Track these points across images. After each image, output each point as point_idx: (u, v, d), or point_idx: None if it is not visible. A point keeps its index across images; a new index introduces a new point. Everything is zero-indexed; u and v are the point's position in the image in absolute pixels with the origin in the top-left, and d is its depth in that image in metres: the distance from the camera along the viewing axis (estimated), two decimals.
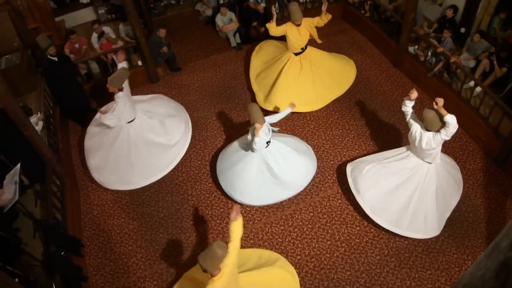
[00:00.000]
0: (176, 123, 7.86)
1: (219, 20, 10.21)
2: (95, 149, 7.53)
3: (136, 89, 9.44)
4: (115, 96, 6.85)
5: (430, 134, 5.70)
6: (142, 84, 9.54)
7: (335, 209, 7.04)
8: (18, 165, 6.00)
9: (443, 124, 5.54)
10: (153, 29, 9.98)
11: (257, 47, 9.46)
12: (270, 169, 6.68)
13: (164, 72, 9.75)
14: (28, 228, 6.44)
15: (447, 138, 5.61)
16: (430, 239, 6.51)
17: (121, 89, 6.82)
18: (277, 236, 6.77)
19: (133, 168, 7.32)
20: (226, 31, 10.20)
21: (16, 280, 5.23)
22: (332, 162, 7.70)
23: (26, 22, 9.21)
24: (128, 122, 7.28)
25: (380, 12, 9.99)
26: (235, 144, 7.17)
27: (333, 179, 7.47)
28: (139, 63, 9.39)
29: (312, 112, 8.51)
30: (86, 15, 11.00)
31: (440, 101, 5.49)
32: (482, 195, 7.08)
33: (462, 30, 9.15)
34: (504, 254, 1.18)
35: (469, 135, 7.93)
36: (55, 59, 7.74)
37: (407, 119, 6.00)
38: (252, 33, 10.53)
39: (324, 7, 7.82)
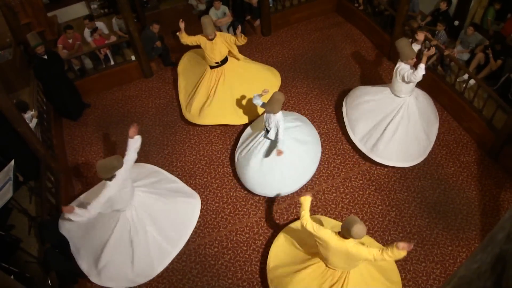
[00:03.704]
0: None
1: (213, 14, 10.15)
2: (82, 248, 6.24)
3: (129, 84, 9.43)
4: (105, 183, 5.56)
5: (400, 64, 6.59)
6: (135, 79, 9.50)
7: (330, 203, 7.06)
8: (12, 162, 5.97)
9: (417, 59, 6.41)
10: (146, 23, 9.93)
11: (180, 68, 8.87)
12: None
13: (157, 67, 9.71)
14: (23, 225, 6.42)
15: (406, 80, 6.46)
16: (425, 231, 6.56)
17: (111, 177, 5.49)
18: (272, 230, 6.79)
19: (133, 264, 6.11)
20: (219, 25, 10.15)
21: (12, 277, 5.21)
22: (326, 156, 7.72)
23: (19, 18, 9.13)
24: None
25: (374, 5, 9.98)
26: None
27: (327, 173, 7.48)
28: (133, 58, 9.34)
29: (307, 112, 8.52)
30: (79, 9, 10.90)
31: (431, 51, 6.43)
32: (476, 187, 7.12)
33: (456, 23, 9.15)
34: (500, 247, 1.18)
35: (463, 127, 7.96)
36: (45, 57, 7.71)
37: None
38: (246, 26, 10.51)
39: (238, 31, 7.55)
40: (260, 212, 7.02)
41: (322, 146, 7.68)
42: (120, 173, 5.53)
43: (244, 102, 7.94)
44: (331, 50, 9.94)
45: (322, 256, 4.96)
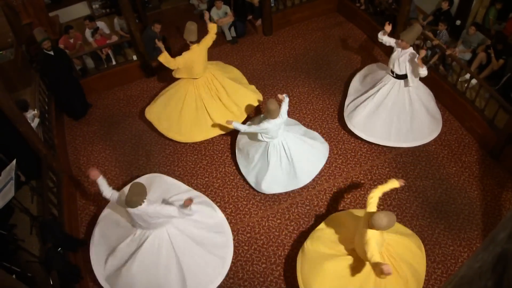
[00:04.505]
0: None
1: (214, 13, 10.16)
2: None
3: (131, 84, 9.44)
4: (146, 209, 5.20)
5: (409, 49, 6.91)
6: (137, 78, 9.52)
7: (332, 203, 7.06)
8: (14, 161, 5.98)
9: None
10: (148, 23, 9.94)
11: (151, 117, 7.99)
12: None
13: (159, 67, 9.71)
14: (24, 224, 6.43)
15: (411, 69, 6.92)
16: (426, 231, 6.56)
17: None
18: (274, 230, 6.79)
19: None
20: (221, 25, 10.16)
21: (14, 276, 5.22)
22: (328, 156, 7.71)
23: (20, 18, 9.15)
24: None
25: (376, 4, 9.97)
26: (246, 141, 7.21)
27: (329, 172, 7.48)
28: (134, 57, 9.35)
29: (306, 114, 8.52)
30: (80, 9, 10.91)
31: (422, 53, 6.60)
32: (478, 187, 7.11)
33: (458, 22, 9.14)
34: (501, 246, 1.18)
35: (464, 127, 7.95)
36: (51, 53, 7.73)
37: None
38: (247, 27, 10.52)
39: (206, 17, 7.41)
40: (261, 211, 7.02)
41: None
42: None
43: (235, 107, 7.74)
44: (332, 49, 9.94)
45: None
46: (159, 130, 7.88)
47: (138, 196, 5.03)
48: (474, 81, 7.81)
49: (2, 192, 5.70)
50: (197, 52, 7.24)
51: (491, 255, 1.21)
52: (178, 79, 7.73)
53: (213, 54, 10.07)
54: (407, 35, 6.73)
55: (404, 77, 7.11)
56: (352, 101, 7.85)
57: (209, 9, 10.49)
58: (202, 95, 7.58)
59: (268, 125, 6.33)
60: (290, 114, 8.41)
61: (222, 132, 7.81)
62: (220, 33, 10.48)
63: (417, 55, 6.65)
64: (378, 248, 4.75)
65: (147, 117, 7.91)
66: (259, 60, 9.81)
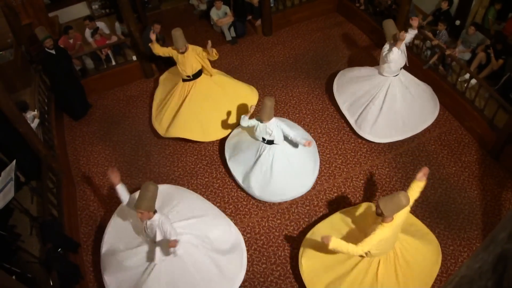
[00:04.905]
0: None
1: (214, 14, 10.16)
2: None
3: (130, 84, 9.44)
4: (152, 222, 4.96)
5: (386, 45, 7.07)
6: (137, 79, 9.52)
7: (332, 203, 7.06)
8: (14, 162, 5.98)
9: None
10: (147, 23, 9.93)
11: (161, 78, 8.73)
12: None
13: (158, 67, 9.71)
14: (24, 225, 6.43)
15: (384, 59, 7.04)
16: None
17: (155, 211, 4.98)
18: (274, 230, 6.79)
19: None
20: (221, 25, 10.16)
21: (14, 277, 5.22)
22: (328, 156, 7.71)
23: (20, 18, 9.14)
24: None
25: (375, 4, 9.97)
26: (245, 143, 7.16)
27: (329, 172, 7.48)
28: (134, 58, 9.35)
29: (306, 116, 8.52)
30: (80, 10, 10.90)
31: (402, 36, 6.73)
32: (478, 187, 7.11)
33: (457, 22, 9.14)
34: (502, 246, 1.18)
35: (464, 127, 7.95)
36: (53, 52, 7.73)
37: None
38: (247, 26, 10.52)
39: (208, 45, 7.17)
40: (261, 212, 7.02)
41: (323, 146, 7.70)
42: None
43: (213, 119, 7.66)
44: (332, 50, 9.94)
45: (380, 253, 5.05)
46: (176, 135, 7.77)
47: (150, 200, 4.78)
48: (473, 81, 7.82)
49: (2, 192, 5.69)
50: (179, 58, 7.34)
51: (491, 255, 1.21)
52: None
53: None
54: (385, 33, 6.99)
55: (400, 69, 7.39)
56: (353, 104, 7.89)
57: (208, 9, 10.53)
58: (193, 96, 7.62)
59: (255, 123, 6.49)
60: (290, 114, 8.43)
61: (190, 137, 7.75)
62: (220, 33, 10.50)
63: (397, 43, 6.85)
64: (388, 243, 4.80)
65: (158, 129, 7.98)
66: (259, 60, 9.81)
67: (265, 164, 6.71)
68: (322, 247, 5.26)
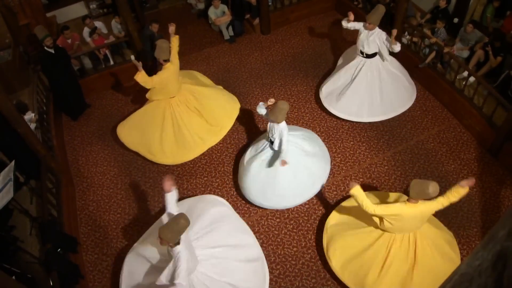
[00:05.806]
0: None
1: (212, 13, 10.16)
2: None
3: (129, 84, 9.41)
4: (171, 249, 4.67)
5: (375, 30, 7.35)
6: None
7: (331, 201, 7.07)
8: (13, 162, 5.98)
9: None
10: (145, 23, 9.92)
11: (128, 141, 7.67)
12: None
13: (156, 66, 9.70)
14: (24, 225, 6.42)
15: (386, 46, 7.33)
16: None
17: (177, 242, 4.60)
18: (273, 228, 6.79)
19: None
20: (219, 24, 10.16)
21: (13, 277, 5.22)
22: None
23: (18, 18, 9.13)
24: None
25: (373, 2, 9.96)
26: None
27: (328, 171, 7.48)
28: (132, 57, 9.31)
29: (308, 119, 8.51)
30: (77, 10, 10.89)
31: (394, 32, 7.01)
32: (477, 184, 7.11)
33: (455, 20, 9.14)
34: (501, 244, 1.18)
35: (463, 125, 7.96)
36: (52, 51, 7.73)
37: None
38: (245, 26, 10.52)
39: (171, 29, 7.00)
40: (261, 210, 7.02)
41: None
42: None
43: (204, 127, 7.42)
44: (330, 48, 9.94)
45: (393, 228, 5.14)
46: (141, 154, 7.53)
47: (175, 234, 4.46)
48: (472, 78, 7.82)
49: (1, 193, 5.70)
50: (171, 71, 6.96)
51: (491, 253, 1.21)
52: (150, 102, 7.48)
53: (211, 53, 10.07)
54: (372, 17, 7.13)
55: (373, 55, 7.56)
56: (326, 83, 8.19)
57: (206, 8, 10.53)
58: (180, 113, 7.26)
59: (265, 115, 6.34)
60: (288, 113, 8.40)
61: (213, 144, 7.55)
62: (218, 32, 10.49)
63: (387, 36, 7.20)
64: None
65: (120, 137, 7.61)
66: (257, 59, 9.81)
67: (269, 174, 6.53)
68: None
